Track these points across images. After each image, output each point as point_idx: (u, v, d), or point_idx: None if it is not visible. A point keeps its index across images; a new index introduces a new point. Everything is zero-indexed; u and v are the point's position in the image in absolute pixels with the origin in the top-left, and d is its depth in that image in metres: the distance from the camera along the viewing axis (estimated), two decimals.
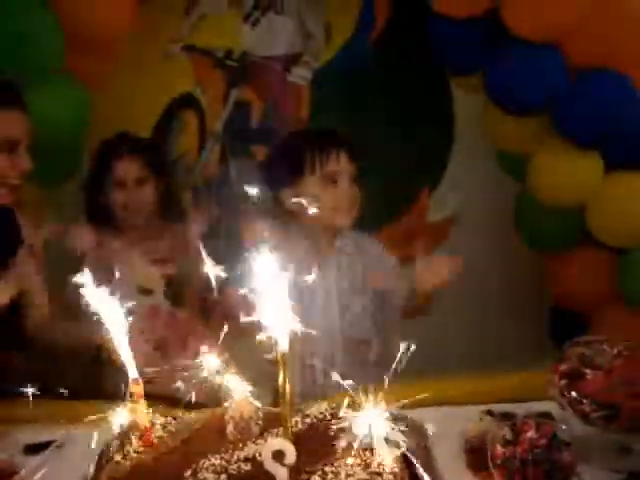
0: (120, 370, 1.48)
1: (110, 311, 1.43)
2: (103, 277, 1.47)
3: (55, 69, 2.73)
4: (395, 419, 1.44)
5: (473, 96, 3.42)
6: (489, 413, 1.70)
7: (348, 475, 1.33)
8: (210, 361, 1.52)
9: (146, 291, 2.67)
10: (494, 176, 3.57)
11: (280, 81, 3.55)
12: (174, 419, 1.60)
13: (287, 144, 2.49)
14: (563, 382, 1.60)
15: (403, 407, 1.51)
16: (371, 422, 1.40)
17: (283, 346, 1.31)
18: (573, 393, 1.56)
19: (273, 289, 1.28)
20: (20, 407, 1.93)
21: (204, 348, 1.53)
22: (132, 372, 1.45)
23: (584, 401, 1.54)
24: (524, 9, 2.76)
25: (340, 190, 2.33)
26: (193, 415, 1.61)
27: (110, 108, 3.16)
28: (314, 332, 2.11)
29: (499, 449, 1.39)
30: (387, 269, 2.46)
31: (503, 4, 2.80)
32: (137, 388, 1.45)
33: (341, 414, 1.52)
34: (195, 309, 2.74)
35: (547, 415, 1.62)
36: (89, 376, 2.34)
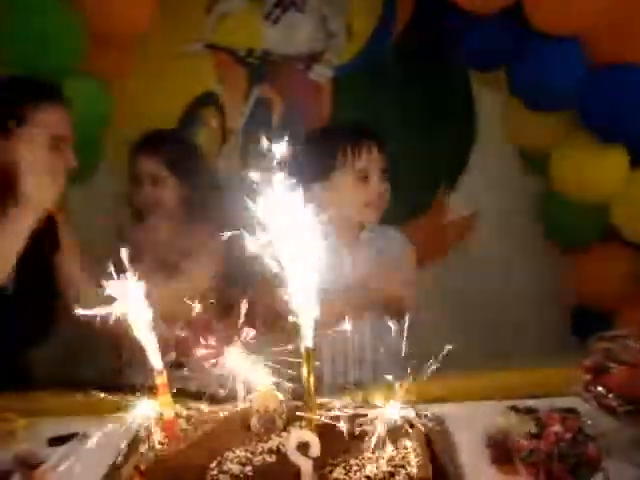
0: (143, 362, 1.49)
1: (134, 303, 1.44)
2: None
3: (76, 67, 2.75)
4: (419, 414, 1.44)
5: (495, 93, 3.41)
6: (513, 409, 1.68)
7: (372, 468, 1.33)
8: (234, 355, 1.53)
9: None
10: (516, 173, 3.55)
11: (301, 79, 3.55)
12: (198, 411, 1.60)
13: (319, 139, 2.49)
14: (588, 377, 1.59)
15: (427, 402, 1.51)
16: (395, 416, 1.40)
17: (308, 339, 1.32)
18: (599, 388, 1.55)
19: (300, 280, 1.28)
20: (44, 399, 1.97)
21: (227, 343, 1.54)
22: (156, 364, 1.45)
23: (609, 395, 1.53)
24: (548, 4, 2.74)
25: (371, 186, 2.33)
26: (217, 408, 1.62)
27: (132, 107, 3.18)
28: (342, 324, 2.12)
29: (524, 442, 1.38)
30: (408, 261, 2.45)
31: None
32: (161, 380, 1.45)
33: (365, 408, 1.52)
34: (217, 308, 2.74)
35: (572, 410, 1.61)
36: (112, 368, 2.37)
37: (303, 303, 1.29)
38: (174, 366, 1.58)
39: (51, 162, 2.16)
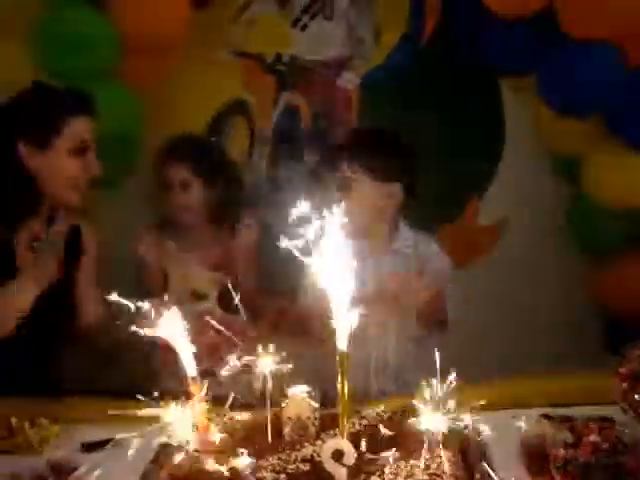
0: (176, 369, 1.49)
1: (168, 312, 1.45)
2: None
3: (108, 72, 2.78)
4: (453, 422, 1.43)
5: (524, 98, 3.39)
6: (548, 417, 1.67)
7: (407, 476, 1.33)
8: (267, 363, 1.53)
9: (199, 296, 2.68)
10: (546, 178, 3.53)
11: (329, 85, 3.53)
12: (231, 419, 1.60)
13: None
14: (625, 385, 1.57)
15: (460, 410, 1.50)
16: (430, 424, 1.40)
17: (342, 345, 1.31)
18: (636, 396, 1.52)
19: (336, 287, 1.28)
20: (78, 405, 1.98)
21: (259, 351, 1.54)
22: (191, 371, 1.45)
23: None
24: (580, 8, 2.72)
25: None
26: (250, 415, 1.62)
27: (161, 113, 3.19)
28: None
29: (561, 451, 1.37)
30: (443, 269, 2.44)
31: (559, 3, 2.77)
32: (195, 387, 1.46)
33: (399, 416, 1.52)
34: (248, 314, 2.74)
35: (607, 419, 1.59)
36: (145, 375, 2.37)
37: (340, 307, 1.29)
38: (207, 373, 1.59)
39: (75, 169, 2.18)
